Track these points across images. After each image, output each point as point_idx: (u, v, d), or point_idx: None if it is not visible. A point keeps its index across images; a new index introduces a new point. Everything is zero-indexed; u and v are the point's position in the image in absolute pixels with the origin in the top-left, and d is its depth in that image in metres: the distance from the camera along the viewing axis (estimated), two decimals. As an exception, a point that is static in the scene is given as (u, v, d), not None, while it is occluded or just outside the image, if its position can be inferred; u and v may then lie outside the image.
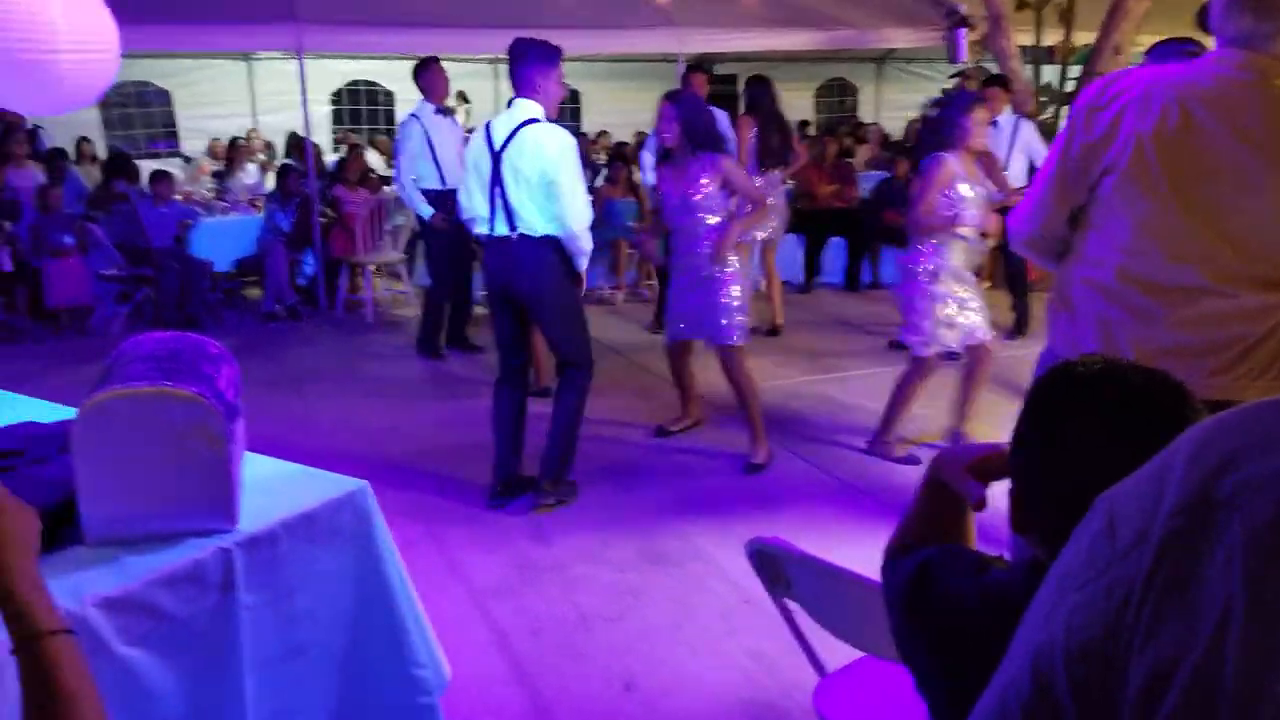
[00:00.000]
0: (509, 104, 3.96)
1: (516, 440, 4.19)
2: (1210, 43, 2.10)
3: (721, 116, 6.92)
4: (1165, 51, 3.76)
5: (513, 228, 3.89)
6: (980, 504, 1.30)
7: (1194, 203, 1.97)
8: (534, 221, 3.86)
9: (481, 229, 4.00)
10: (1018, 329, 6.89)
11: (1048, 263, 2.33)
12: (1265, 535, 0.49)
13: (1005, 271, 7.19)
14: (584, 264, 4.02)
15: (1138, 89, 2.03)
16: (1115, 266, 2.09)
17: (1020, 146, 6.69)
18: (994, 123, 6.90)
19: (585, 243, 3.93)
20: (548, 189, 3.79)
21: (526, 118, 3.83)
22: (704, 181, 4.37)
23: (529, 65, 3.85)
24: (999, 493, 1.24)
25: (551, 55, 3.89)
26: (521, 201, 3.85)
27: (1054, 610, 0.59)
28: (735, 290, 4.49)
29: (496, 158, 3.85)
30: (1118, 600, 0.54)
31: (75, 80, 2.34)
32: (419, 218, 6.56)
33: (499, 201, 3.89)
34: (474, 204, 4.00)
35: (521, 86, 3.88)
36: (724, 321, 4.48)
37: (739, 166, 4.75)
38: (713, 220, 4.45)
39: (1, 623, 1.08)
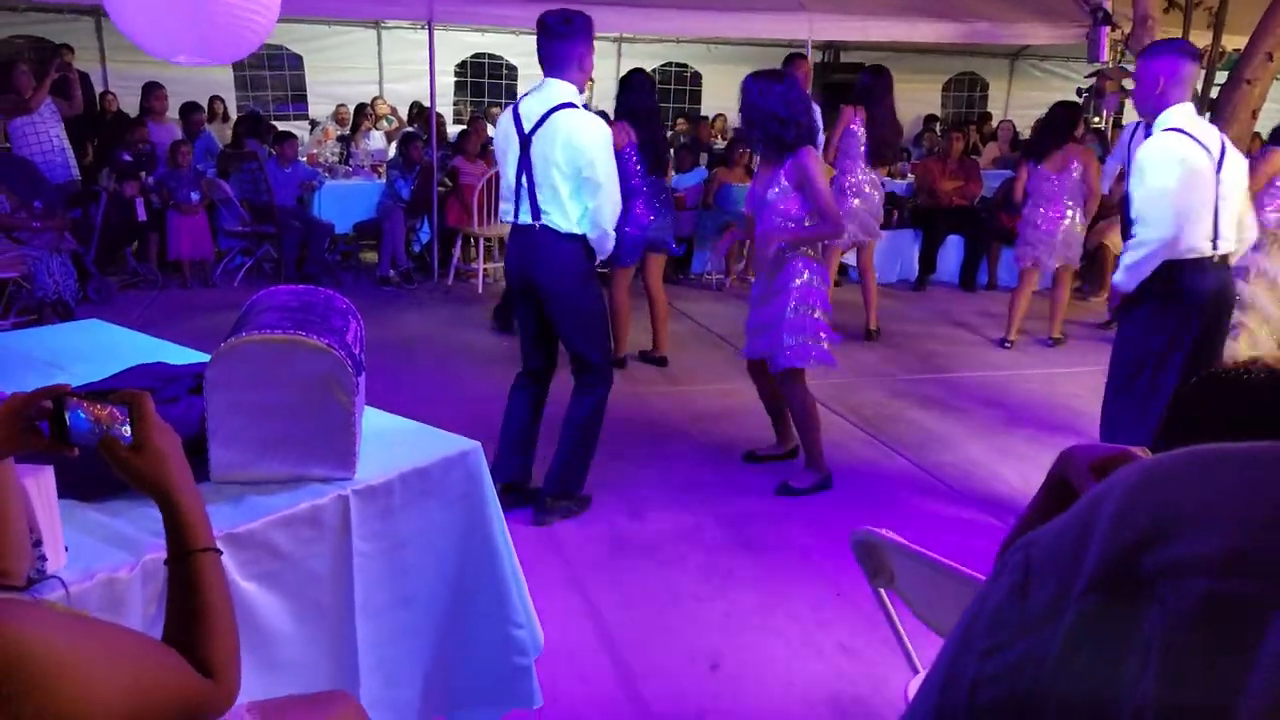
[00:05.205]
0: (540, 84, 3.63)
1: (524, 445, 3.91)
2: None
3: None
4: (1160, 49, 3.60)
5: (536, 217, 3.59)
6: None
7: None
8: (559, 215, 3.56)
9: (507, 216, 3.73)
10: None
11: None
12: (1185, 633, 0.43)
13: None
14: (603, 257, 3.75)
15: None
16: None
17: None
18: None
19: (611, 242, 3.66)
20: (581, 182, 3.50)
21: (560, 101, 3.50)
22: (783, 179, 3.92)
23: (571, 41, 3.49)
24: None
25: (591, 29, 3.56)
26: (548, 191, 3.55)
27: (959, 669, 0.54)
28: (799, 307, 3.98)
29: (525, 142, 3.55)
30: (1026, 682, 0.49)
31: (246, 31, 2.42)
32: None
33: (524, 188, 3.59)
34: (502, 189, 3.77)
35: (558, 65, 3.52)
36: (784, 342, 4.00)
37: (821, 164, 4.06)
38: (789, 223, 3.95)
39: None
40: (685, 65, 13.54)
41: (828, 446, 4.70)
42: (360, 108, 10.70)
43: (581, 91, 3.61)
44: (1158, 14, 8.29)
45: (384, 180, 8.63)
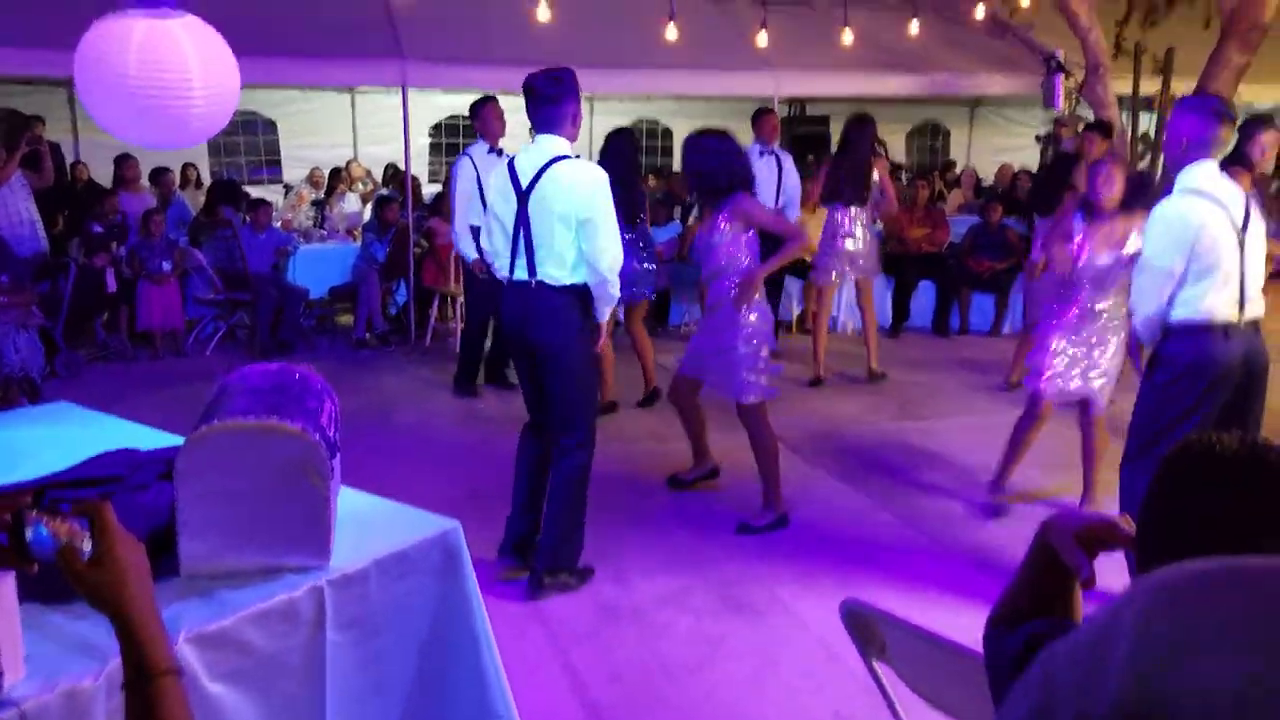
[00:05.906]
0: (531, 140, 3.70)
1: (533, 497, 3.90)
2: None
3: (785, 157, 7.16)
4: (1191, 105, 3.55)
5: (532, 273, 3.61)
6: (1089, 582, 1.24)
7: None
8: (556, 268, 3.57)
9: (502, 272, 3.75)
10: None
11: None
12: None
13: None
14: (605, 314, 3.74)
15: None
16: None
17: None
18: None
19: (615, 289, 3.64)
20: (581, 229, 3.51)
21: (555, 155, 3.55)
22: (723, 224, 4.24)
23: (562, 102, 3.57)
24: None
25: (577, 85, 3.63)
26: (546, 245, 3.56)
27: None
28: (751, 345, 4.28)
29: (523, 198, 3.57)
30: None
31: (203, 121, 2.43)
32: (463, 258, 6.47)
33: (521, 244, 3.61)
34: (495, 245, 3.76)
35: (550, 123, 3.59)
36: (742, 378, 4.28)
37: (759, 203, 4.51)
38: (733, 263, 4.27)
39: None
40: (656, 121, 13.69)
41: (813, 501, 4.68)
42: (335, 171, 10.71)
43: (573, 144, 3.66)
44: (1108, 62, 8.50)
45: (359, 243, 8.61)
